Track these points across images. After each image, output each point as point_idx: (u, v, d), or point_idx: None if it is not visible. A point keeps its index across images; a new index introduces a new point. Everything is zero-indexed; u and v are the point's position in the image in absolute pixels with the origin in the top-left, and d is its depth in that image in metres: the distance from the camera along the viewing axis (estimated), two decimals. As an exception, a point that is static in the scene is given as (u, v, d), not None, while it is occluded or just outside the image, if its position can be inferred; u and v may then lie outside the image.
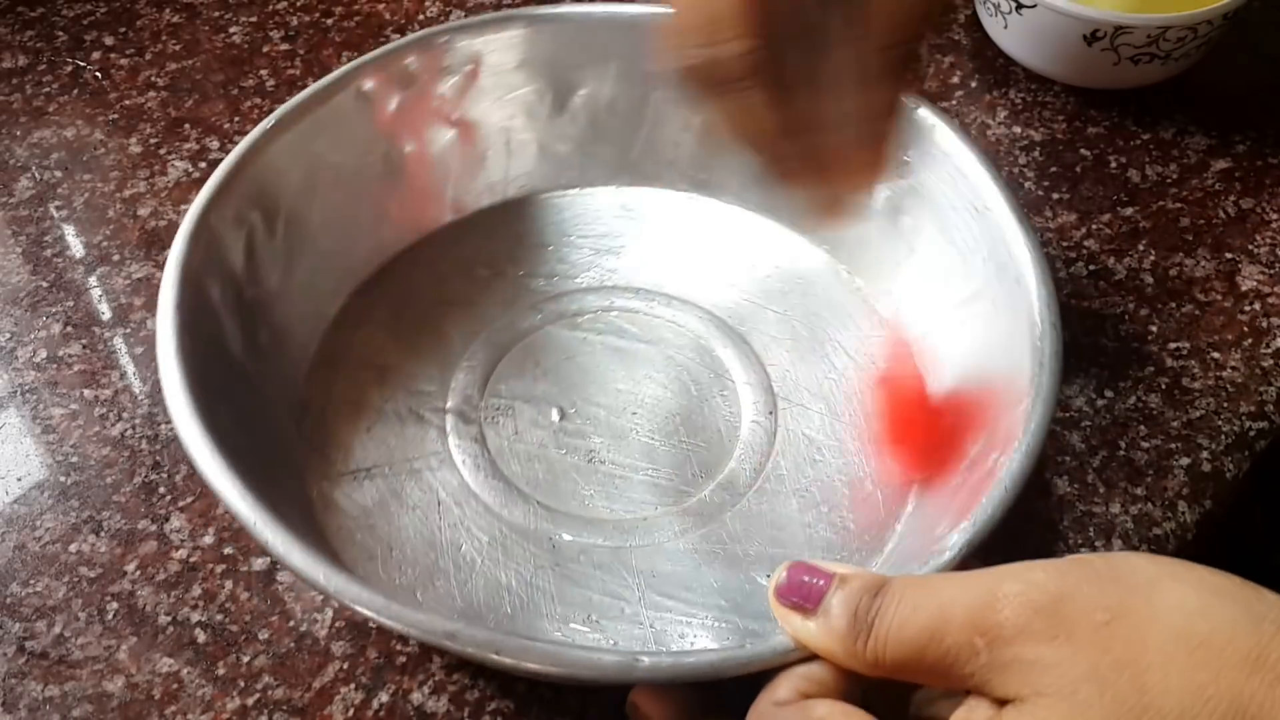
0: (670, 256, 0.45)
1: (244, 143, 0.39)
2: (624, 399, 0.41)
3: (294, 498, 0.37)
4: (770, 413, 0.41)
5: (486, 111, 0.45)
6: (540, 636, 0.35)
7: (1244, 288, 0.45)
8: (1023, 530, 0.38)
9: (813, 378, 0.41)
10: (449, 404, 0.41)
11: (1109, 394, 0.42)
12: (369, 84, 0.42)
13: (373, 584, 0.35)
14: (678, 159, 0.47)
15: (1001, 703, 0.23)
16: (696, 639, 0.35)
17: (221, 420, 0.33)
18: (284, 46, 0.55)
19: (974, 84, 0.53)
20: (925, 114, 0.40)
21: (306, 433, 0.39)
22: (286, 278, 0.41)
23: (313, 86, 0.41)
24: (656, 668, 0.27)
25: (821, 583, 0.26)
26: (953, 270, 0.40)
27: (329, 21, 0.57)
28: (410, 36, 0.43)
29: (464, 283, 0.44)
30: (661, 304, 0.44)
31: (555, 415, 0.40)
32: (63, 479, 0.40)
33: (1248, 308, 0.45)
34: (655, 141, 0.47)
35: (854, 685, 0.26)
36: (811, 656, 0.27)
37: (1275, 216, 0.48)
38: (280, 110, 0.41)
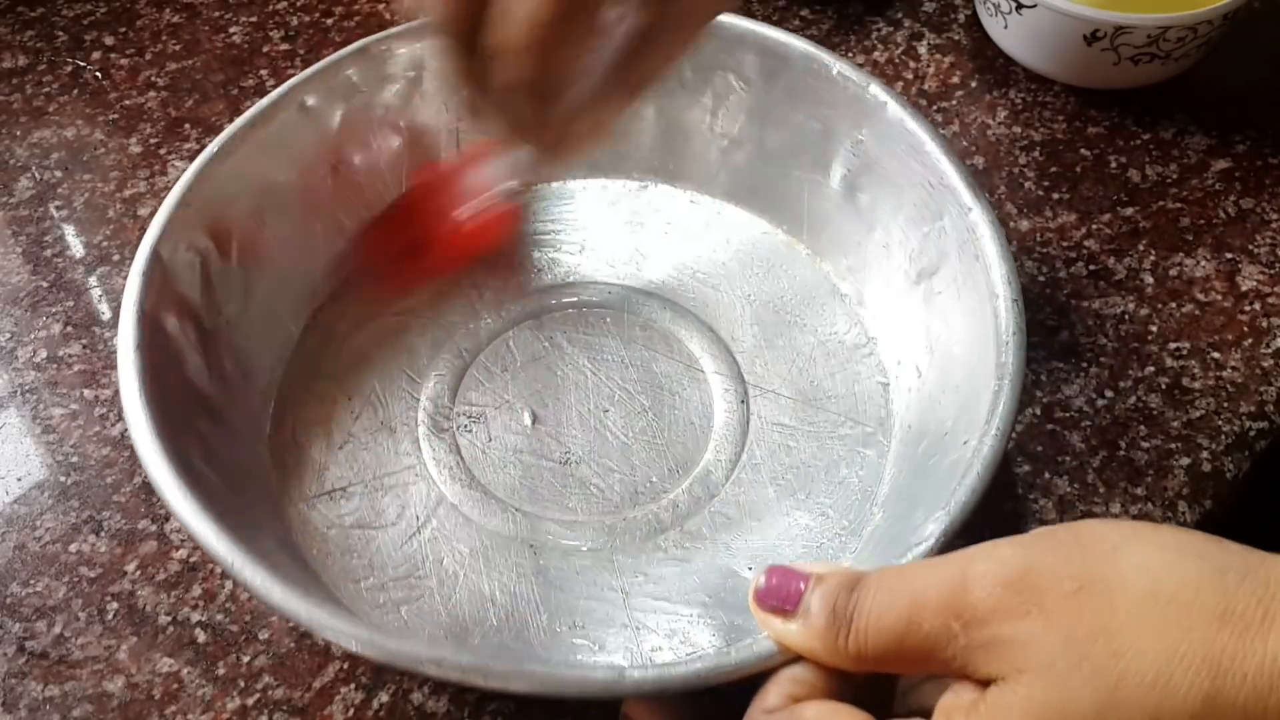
0: (631, 248, 0.45)
1: (188, 172, 0.39)
2: (595, 397, 0.41)
3: (270, 525, 0.37)
4: (742, 401, 0.41)
5: (433, 116, 0.45)
6: (526, 649, 0.35)
7: (1244, 288, 0.45)
8: (1023, 530, 0.38)
9: (781, 363, 0.41)
10: (420, 415, 0.40)
11: (1109, 394, 0.42)
12: (311, 99, 0.42)
13: (356, 606, 0.35)
14: (632, 149, 0.46)
15: (986, 683, 0.23)
16: (682, 637, 0.35)
17: (192, 457, 0.33)
18: (284, 47, 0.55)
19: (974, 84, 0.53)
20: (876, 90, 0.40)
21: (279, 456, 0.39)
22: (246, 302, 0.40)
23: (254, 108, 0.41)
24: (642, 681, 0.27)
25: (799, 584, 0.27)
26: (911, 246, 0.40)
27: (329, 22, 0.56)
28: (348, 48, 0.42)
29: (426, 291, 0.44)
30: (626, 297, 0.44)
31: (528, 419, 0.40)
32: (63, 479, 0.40)
33: (1248, 308, 0.45)
34: None
35: (844, 684, 0.26)
36: (797, 659, 0.27)
37: (1275, 216, 0.48)
38: (223, 135, 0.40)
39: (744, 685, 0.27)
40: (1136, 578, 0.22)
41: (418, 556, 0.37)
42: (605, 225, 0.46)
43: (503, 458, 0.39)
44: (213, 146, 0.39)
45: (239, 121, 0.40)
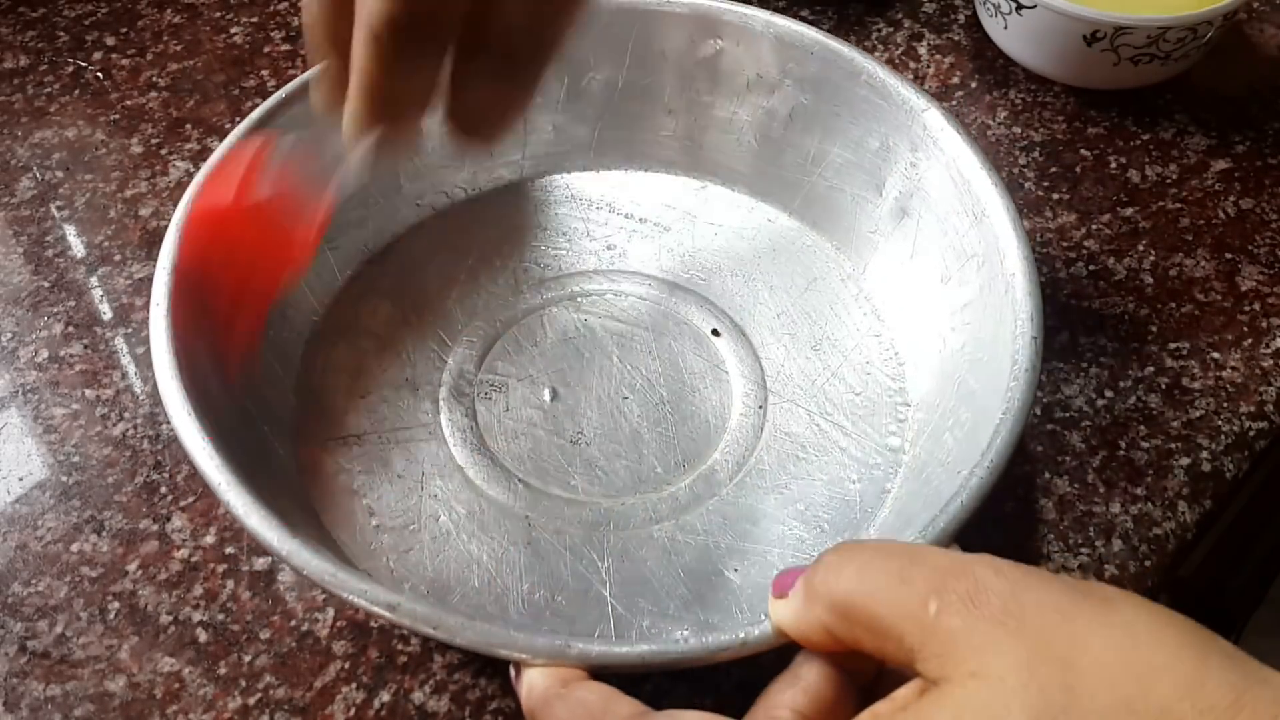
0: (678, 245, 0.45)
1: (253, 115, 0.40)
2: (617, 383, 0.41)
3: (279, 459, 0.38)
4: (760, 407, 0.41)
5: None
6: (501, 613, 0.35)
7: (1244, 288, 0.45)
8: (1023, 530, 0.38)
9: (806, 376, 0.42)
10: (444, 378, 0.41)
11: (1109, 394, 0.42)
12: None
13: (347, 550, 0.36)
14: (693, 147, 0.47)
15: (923, 691, 0.23)
16: (656, 626, 0.35)
17: (208, 382, 0.34)
18: (285, 47, 0.55)
19: (974, 84, 0.53)
20: (934, 117, 0.40)
21: (302, 398, 0.40)
22: None
23: (306, 74, 0.41)
24: (586, 654, 0.28)
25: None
26: (950, 276, 0.40)
27: (330, 22, 0.56)
28: None
29: (472, 260, 0.45)
30: (665, 291, 0.44)
31: (547, 395, 0.41)
32: (64, 479, 0.40)
33: (1248, 308, 0.45)
34: (671, 129, 0.47)
35: (848, 696, 0.26)
36: (748, 658, 0.26)
37: (1275, 216, 0.48)
38: (288, 86, 0.41)
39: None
40: (1117, 630, 0.22)
41: (415, 511, 0.38)
42: (659, 220, 0.46)
43: (516, 429, 0.40)
44: (280, 94, 0.40)
45: (302, 76, 0.41)
